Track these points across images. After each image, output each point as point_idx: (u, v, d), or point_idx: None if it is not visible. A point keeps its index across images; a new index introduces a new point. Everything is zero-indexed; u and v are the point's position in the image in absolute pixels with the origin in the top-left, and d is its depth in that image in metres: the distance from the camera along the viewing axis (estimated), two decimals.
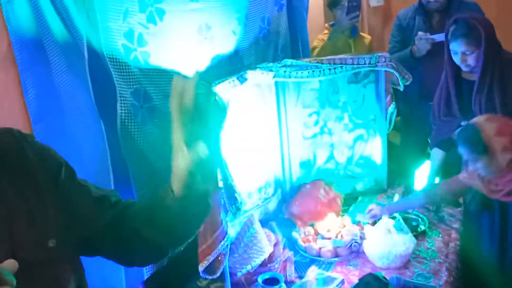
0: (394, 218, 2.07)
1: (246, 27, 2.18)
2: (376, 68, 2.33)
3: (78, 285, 0.99)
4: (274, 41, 2.45)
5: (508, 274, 2.07)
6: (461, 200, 2.34)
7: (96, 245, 1.03)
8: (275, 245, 2.00)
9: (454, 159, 2.24)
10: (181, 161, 0.94)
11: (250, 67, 2.04)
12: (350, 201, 2.51)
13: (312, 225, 2.23)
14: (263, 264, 1.89)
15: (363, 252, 2.00)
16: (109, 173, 1.59)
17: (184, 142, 0.94)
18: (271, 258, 1.92)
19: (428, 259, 1.97)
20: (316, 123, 2.50)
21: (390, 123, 2.51)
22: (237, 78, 1.89)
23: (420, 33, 2.78)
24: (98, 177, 1.60)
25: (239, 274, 1.83)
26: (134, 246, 1.04)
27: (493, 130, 1.79)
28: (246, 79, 1.93)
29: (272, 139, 2.38)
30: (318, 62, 2.21)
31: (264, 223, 2.20)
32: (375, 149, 2.59)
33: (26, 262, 0.69)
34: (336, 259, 2.01)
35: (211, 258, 1.60)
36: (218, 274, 1.65)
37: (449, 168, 2.04)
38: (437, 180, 2.42)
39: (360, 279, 1.69)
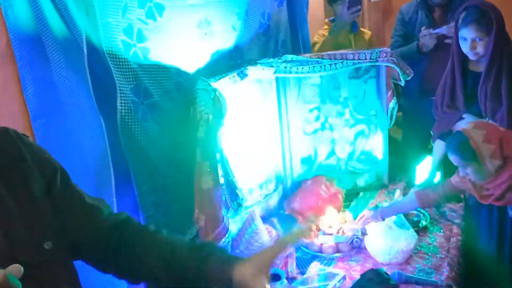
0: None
1: (246, 22, 2.17)
2: (377, 63, 2.32)
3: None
4: (274, 37, 2.44)
5: (506, 268, 2.08)
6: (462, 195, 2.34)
7: (87, 251, 1.04)
8: None
9: None
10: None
11: (250, 63, 2.04)
12: (351, 196, 2.51)
13: (313, 221, 2.22)
14: None
15: (365, 248, 1.99)
16: (109, 170, 1.59)
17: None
18: None
19: (430, 254, 1.97)
20: (317, 118, 2.49)
21: (391, 119, 2.50)
22: (238, 74, 1.89)
23: (423, 30, 2.77)
24: (98, 174, 1.60)
25: None
26: (122, 264, 1.06)
27: (481, 137, 1.81)
28: (246, 75, 1.93)
29: (273, 135, 2.37)
30: (318, 58, 2.20)
31: (265, 219, 2.20)
32: (376, 144, 2.58)
33: (23, 264, 0.68)
34: (337, 255, 2.00)
35: None
36: None
37: (451, 162, 2.03)
38: (438, 174, 2.41)
39: (362, 275, 1.69)
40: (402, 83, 2.40)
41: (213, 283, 1.03)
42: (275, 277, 1.73)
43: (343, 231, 2.11)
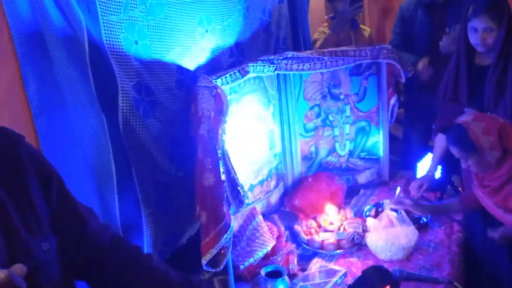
0: (396, 210, 2.07)
1: (247, 19, 2.16)
2: (378, 60, 2.32)
3: None
4: (275, 33, 2.44)
5: (507, 265, 2.08)
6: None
7: (74, 255, 1.04)
8: (278, 238, 2.00)
9: None
10: None
11: (251, 60, 2.03)
12: (352, 193, 2.51)
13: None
14: (266, 257, 1.89)
15: (366, 245, 2.00)
16: (111, 167, 1.59)
17: None
18: (273, 251, 1.92)
19: (431, 251, 1.98)
20: (318, 115, 2.49)
21: (392, 115, 2.50)
22: (238, 71, 1.88)
23: (420, 65, 2.78)
24: (100, 171, 1.60)
25: (241, 267, 1.84)
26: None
27: (480, 129, 1.82)
28: (247, 72, 1.93)
29: (274, 132, 2.37)
30: (319, 55, 2.20)
31: (266, 216, 2.20)
32: (377, 141, 2.58)
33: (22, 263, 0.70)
34: (338, 251, 2.01)
35: (214, 251, 1.60)
36: (221, 267, 1.65)
37: (452, 156, 2.03)
38: (439, 168, 2.41)
39: (363, 271, 1.69)
40: (403, 80, 2.40)
41: None
42: (276, 274, 1.74)
43: (344, 228, 2.11)
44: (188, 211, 1.83)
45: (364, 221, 2.14)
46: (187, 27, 1.81)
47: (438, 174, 2.42)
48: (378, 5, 4.38)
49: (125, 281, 1.09)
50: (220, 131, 1.62)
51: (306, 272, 1.87)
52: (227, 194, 1.66)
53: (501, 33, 2.06)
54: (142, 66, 1.64)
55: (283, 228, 2.11)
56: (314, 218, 2.23)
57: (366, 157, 2.61)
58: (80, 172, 1.57)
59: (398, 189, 2.41)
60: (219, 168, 1.61)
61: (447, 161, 2.39)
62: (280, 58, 2.11)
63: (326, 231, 2.11)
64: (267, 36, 2.38)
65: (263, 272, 1.74)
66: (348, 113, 2.52)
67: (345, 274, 1.84)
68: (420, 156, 2.64)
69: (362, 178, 2.61)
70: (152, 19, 1.66)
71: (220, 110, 1.65)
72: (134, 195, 1.67)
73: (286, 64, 2.13)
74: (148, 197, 1.71)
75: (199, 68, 1.89)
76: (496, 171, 1.85)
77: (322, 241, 2.05)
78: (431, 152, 2.50)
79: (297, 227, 2.16)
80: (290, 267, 1.88)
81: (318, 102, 2.47)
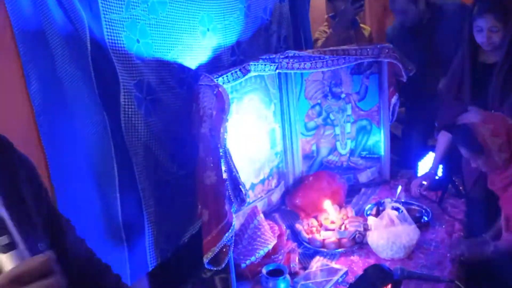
0: (397, 209, 2.08)
1: (248, 18, 2.16)
2: (379, 59, 2.32)
3: None
4: (276, 32, 2.44)
5: (507, 264, 2.08)
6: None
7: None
8: (279, 236, 2.00)
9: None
10: None
11: (252, 59, 2.03)
12: (353, 192, 2.52)
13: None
14: (267, 255, 1.89)
15: (367, 243, 2.00)
16: (112, 165, 1.59)
17: None
18: (275, 249, 1.92)
19: (432, 250, 1.98)
20: (319, 114, 2.50)
21: (393, 114, 2.51)
22: (240, 70, 1.88)
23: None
24: (102, 169, 1.60)
25: (243, 265, 1.84)
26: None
27: (488, 131, 1.82)
28: (248, 71, 1.93)
29: (275, 131, 2.37)
30: (321, 53, 2.20)
31: (267, 215, 2.21)
32: (378, 140, 2.58)
33: None
34: (340, 250, 2.01)
35: (216, 249, 1.60)
36: (223, 265, 1.65)
37: (454, 155, 2.03)
38: (440, 168, 2.41)
39: (364, 270, 1.70)
40: (404, 79, 2.40)
41: None
42: (278, 273, 1.74)
43: (345, 227, 2.11)
44: (189, 209, 1.83)
45: (365, 220, 2.14)
46: (189, 26, 1.81)
47: (439, 173, 2.43)
48: (378, 4, 4.38)
49: None
50: (222, 130, 1.62)
51: (307, 271, 1.87)
52: (228, 193, 1.66)
53: (508, 32, 2.05)
54: (143, 64, 1.64)
55: (284, 227, 2.11)
56: (315, 217, 2.23)
57: (367, 156, 2.62)
58: (81, 170, 1.57)
59: (399, 188, 2.42)
60: (221, 166, 1.61)
61: (449, 160, 2.39)
62: (281, 57, 2.11)
63: (327, 229, 2.12)
64: (268, 35, 2.37)
65: (264, 270, 1.75)
66: (349, 112, 2.53)
67: (346, 273, 1.84)
68: (419, 155, 2.64)
69: (363, 177, 2.62)
70: (154, 18, 1.66)
71: (222, 109, 1.65)
72: (136, 193, 1.67)
73: (287, 63, 2.13)
74: (149, 195, 1.71)
75: (200, 67, 1.89)
76: (503, 172, 1.85)
77: (323, 239, 2.05)
78: (431, 151, 2.50)
79: (298, 226, 2.16)
80: (291, 266, 1.88)
81: (319, 101, 2.47)
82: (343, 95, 2.49)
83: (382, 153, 2.60)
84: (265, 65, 2.05)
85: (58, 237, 1.03)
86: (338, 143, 2.57)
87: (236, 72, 1.87)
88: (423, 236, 2.04)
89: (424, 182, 2.40)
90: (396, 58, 2.30)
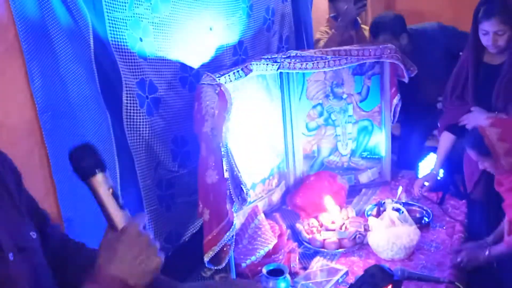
0: (398, 210, 2.08)
1: (251, 17, 2.17)
2: (381, 60, 2.32)
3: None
4: (278, 32, 2.44)
5: (508, 265, 2.08)
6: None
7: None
8: (279, 236, 2.00)
9: (460, 148, 2.23)
10: None
11: (254, 58, 2.04)
12: (353, 193, 2.51)
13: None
14: (268, 255, 1.89)
15: (367, 244, 2.00)
16: (114, 163, 1.60)
17: None
18: (275, 249, 1.92)
19: (433, 251, 1.98)
20: (321, 114, 2.49)
21: (394, 115, 2.50)
22: (242, 69, 1.89)
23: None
24: None
25: (243, 265, 1.84)
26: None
27: (496, 136, 1.83)
28: (250, 70, 1.93)
29: (276, 131, 2.37)
30: (322, 54, 2.20)
31: (268, 214, 2.20)
32: (379, 141, 2.58)
33: (18, 249, 0.85)
34: (340, 250, 2.01)
35: (216, 248, 1.60)
36: (223, 264, 1.65)
37: (456, 156, 2.04)
38: (441, 171, 2.41)
39: (365, 271, 1.69)
40: (406, 80, 2.40)
41: None
42: (278, 272, 1.74)
43: (345, 227, 2.11)
44: (190, 208, 1.83)
45: (366, 220, 2.14)
46: (191, 25, 1.81)
47: (441, 174, 2.43)
48: (380, 5, 4.38)
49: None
50: (223, 129, 1.62)
51: (307, 271, 1.87)
52: (230, 192, 1.66)
53: None
54: (146, 63, 1.64)
55: (285, 227, 2.10)
56: (316, 217, 2.23)
57: (368, 156, 2.61)
58: None
59: (400, 188, 2.42)
60: (222, 165, 1.61)
61: (450, 161, 2.39)
62: (283, 56, 2.12)
63: (327, 230, 2.12)
64: (271, 34, 2.38)
65: (264, 270, 1.74)
66: (350, 112, 2.53)
67: (346, 273, 1.84)
68: (416, 155, 2.64)
69: (364, 178, 2.61)
70: (157, 17, 1.66)
71: (224, 108, 1.65)
72: (137, 191, 1.67)
73: (289, 63, 2.13)
74: (150, 194, 1.71)
75: (202, 66, 1.89)
76: (509, 176, 1.86)
77: (324, 240, 2.05)
78: (430, 152, 2.51)
79: (298, 226, 2.16)
80: (291, 266, 1.88)
81: (320, 101, 2.47)
82: (344, 96, 2.49)
83: (383, 154, 2.60)
84: (267, 64, 2.05)
85: (40, 224, 1.08)
86: (339, 144, 2.57)
87: (238, 71, 1.87)
88: (423, 237, 2.04)
89: (426, 183, 2.40)
90: (398, 58, 2.30)
